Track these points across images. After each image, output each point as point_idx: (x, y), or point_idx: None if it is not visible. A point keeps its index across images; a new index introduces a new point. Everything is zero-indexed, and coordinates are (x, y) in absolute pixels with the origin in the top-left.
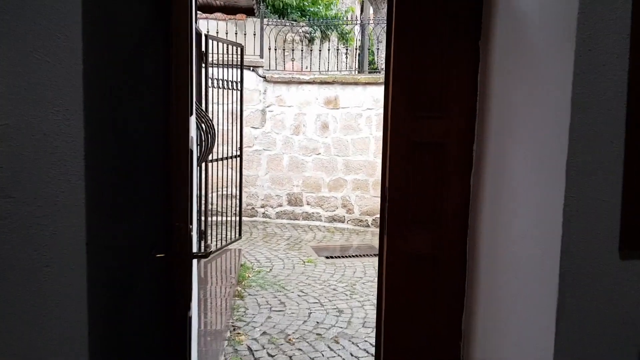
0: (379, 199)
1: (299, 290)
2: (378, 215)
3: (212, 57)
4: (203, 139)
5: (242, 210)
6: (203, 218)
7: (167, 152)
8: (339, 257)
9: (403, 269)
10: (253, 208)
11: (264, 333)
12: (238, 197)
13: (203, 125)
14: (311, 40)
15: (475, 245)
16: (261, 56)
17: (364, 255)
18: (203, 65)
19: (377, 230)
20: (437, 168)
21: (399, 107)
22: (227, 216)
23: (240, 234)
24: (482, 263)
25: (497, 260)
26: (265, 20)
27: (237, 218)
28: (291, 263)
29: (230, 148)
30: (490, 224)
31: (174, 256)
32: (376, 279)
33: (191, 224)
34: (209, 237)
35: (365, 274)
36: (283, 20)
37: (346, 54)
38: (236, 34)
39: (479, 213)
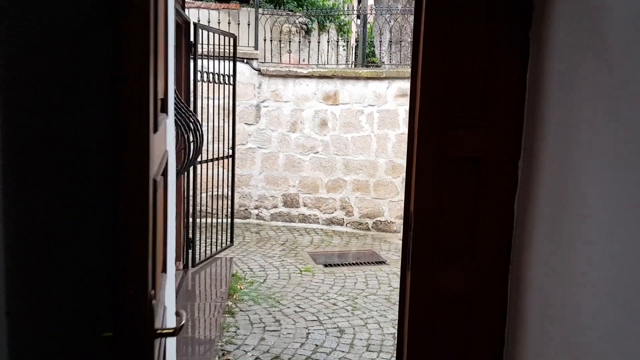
0: (380, 201)
1: (296, 305)
2: (379, 218)
3: (203, 48)
4: (192, 140)
5: (235, 212)
6: (191, 223)
7: (117, 182)
8: (339, 265)
9: (429, 314)
10: (246, 209)
11: (257, 359)
12: (230, 200)
13: (191, 125)
14: (308, 32)
15: (520, 286)
16: (256, 48)
17: (365, 263)
18: (192, 56)
19: (378, 234)
20: (474, 190)
21: (429, 113)
22: (218, 218)
23: (232, 240)
24: (530, 310)
25: (554, 308)
26: (260, 9)
27: (229, 223)
28: (287, 272)
29: (222, 146)
30: (545, 262)
31: (127, 335)
32: (379, 292)
33: (154, 287)
34: (198, 244)
35: (367, 286)
36: (279, 10)
37: (345, 46)
38: (229, 23)
39: (526, 247)
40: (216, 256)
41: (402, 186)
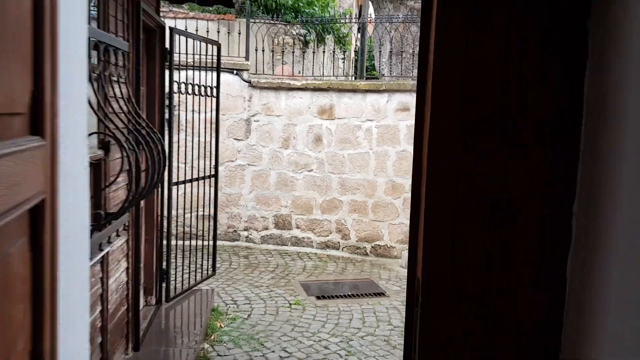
0: (378, 223)
1: (282, 348)
2: (377, 242)
3: (181, 56)
4: (155, 160)
5: (223, 234)
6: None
7: None
8: (333, 296)
9: None
10: (235, 231)
11: None
12: (213, 226)
13: (151, 144)
14: (306, 44)
15: None
16: (247, 58)
17: (362, 295)
18: (167, 64)
19: (377, 260)
20: (502, 245)
21: (442, 134)
22: (203, 240)
23: (214, 269)
24: None
25: None
26: (254, 19)
27: (212, 249)
28: (275, 305)
29: (208, 162)
30: None
31: None
32: (377, 331)
33: None
34: (175, 274)
35: (364, 323)
36: (274, 19)
37: (343, 58)
38: (218, 32)
39: (592, 339)
40: (195, 288)
41: (403, 207)
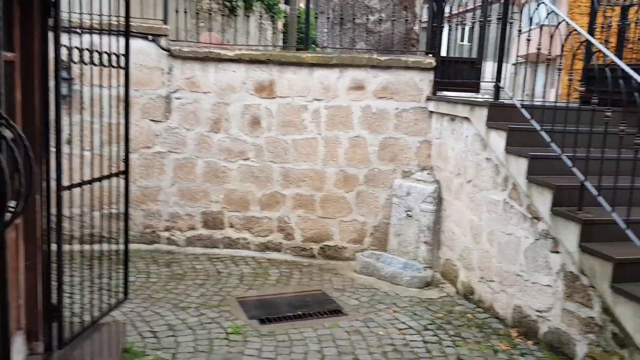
0: (328, 220)
1: None
2: (327, 242)
3: (79, 19)
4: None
5: (138, 235)
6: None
7: None
8: (279, 319)
9: None
10: (154, 232)
11: None
12: (124, 243)
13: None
14: (232, 10)
15: None
16: (165, 21)
17: (315, 315)
18: (52, 23)
19: (326, 263)
20: None
21: None
22: (111, 245)
23: (126, 293)
24: None
25: None
26: None
27: (124, 267)
28: (207, 336)
29: (119, 150)
30: None
31: None
32: None
33: None
34: (73, 306)
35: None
36: None
37: (274, 28)
38: None
39: None
40: (101, 321)
41: (357, 202)
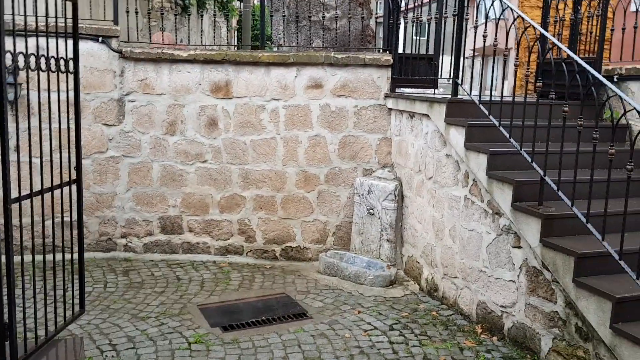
0: (289, 221)
1: None
2: (289, 244)
3: (24, 20)
4: None
5: (93, 243)
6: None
7: None
8: (243, 325)
9: None
10: (110, 239)
11: None
12: (78, 252)
13: None
14: (185, 9)
15: None
16: (115, 22)
17: (279, 320)
18: None
19: (289, 265)
20: None
21: None
22: (66, 254)
23: (82, 305)
24: None
25: None
26: None
27: (79, 277)
28: (169, 348)
29: (70, 156)
30: None
31: None
32: None
33: None
34: (26, 322)
35: None
36: None
37: (228, 28)
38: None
39: None
40: (57, 337)
41: (318, 202)
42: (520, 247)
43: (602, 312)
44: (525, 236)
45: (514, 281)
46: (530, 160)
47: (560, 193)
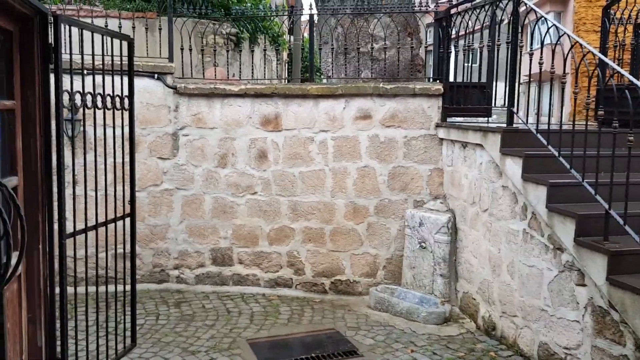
0: (338, 254)
1: None
2: (338, 277)
3: (83, 59)
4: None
5: (147, 275)
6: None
7: None
8: None
9: None
10: (163, 270)
11: None
12: (130, 286)
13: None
14: (238, 43)
15: None
16: (170, 59)
17: (329, 357)
18: (52, 66)
19: (338, 299)
20: None
21: None
22: (119, 286)
23: (133, 339)
24: None
25: None
26: (177, 13)
27: (130, 315)
28: None
29: (121, 192)
30: None
31: None
32: None
33: None
34: (78, 356)
35: None
36: (201, 16)
37: (279, 60)
38: (134, 29)
39: None
40: None
41: (368, 234)
42: (584, 285)
43: None
44: (590, 273)
45: (578, 321)
46: (593, 192)
47: (627, 227)
